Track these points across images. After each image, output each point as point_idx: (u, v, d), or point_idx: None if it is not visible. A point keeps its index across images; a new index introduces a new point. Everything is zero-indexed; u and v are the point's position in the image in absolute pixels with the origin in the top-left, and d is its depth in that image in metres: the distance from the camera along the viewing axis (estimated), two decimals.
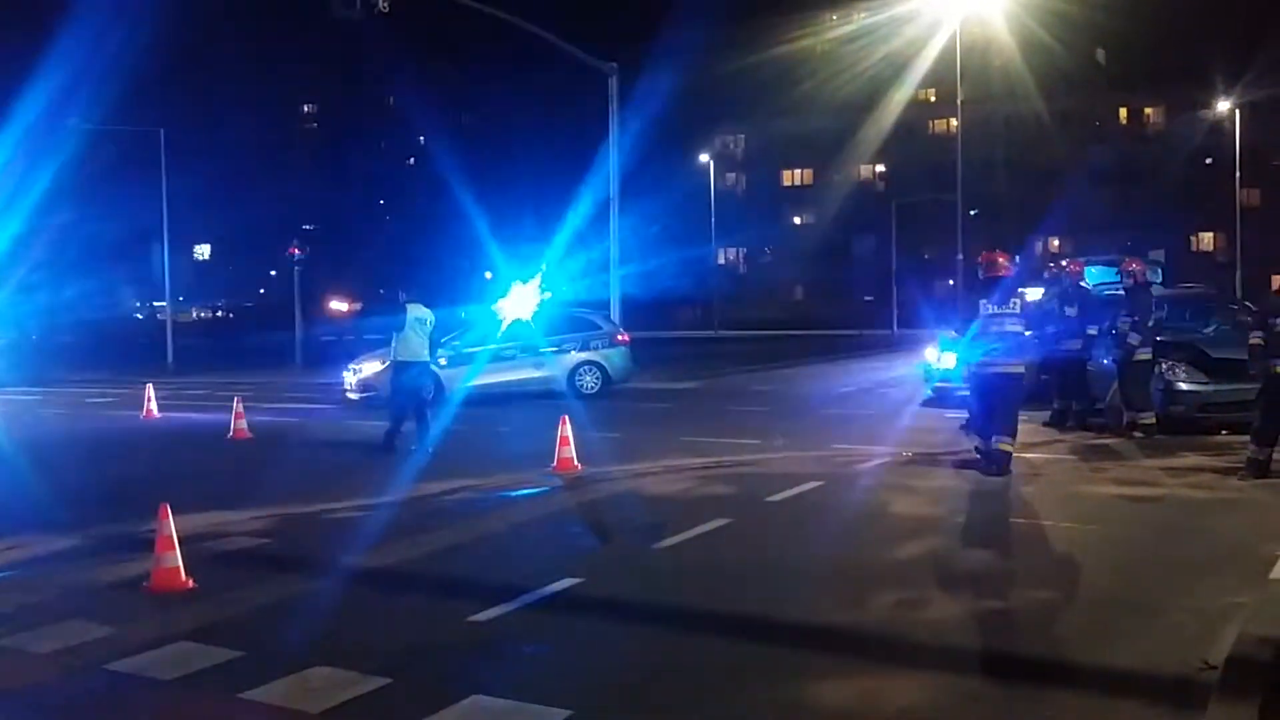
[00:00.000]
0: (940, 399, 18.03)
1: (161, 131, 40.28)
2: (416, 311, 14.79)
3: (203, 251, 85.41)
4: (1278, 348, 10.76)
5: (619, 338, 23.08)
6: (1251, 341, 11.08)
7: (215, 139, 65.51)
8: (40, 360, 35.64)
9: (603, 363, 22.38)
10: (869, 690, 5.53)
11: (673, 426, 17.29)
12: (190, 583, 7.53)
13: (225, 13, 71.27)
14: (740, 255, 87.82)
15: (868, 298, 70.50)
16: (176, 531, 7.66)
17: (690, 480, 11.75)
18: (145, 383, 21.69)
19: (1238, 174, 57.98)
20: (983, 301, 12.09)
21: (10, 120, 45.23)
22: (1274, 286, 11.81)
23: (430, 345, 14.96)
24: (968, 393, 12.98)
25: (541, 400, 20.68)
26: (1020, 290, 13.43)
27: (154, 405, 20.33)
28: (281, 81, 77.96)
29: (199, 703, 5.56)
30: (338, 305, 37.16)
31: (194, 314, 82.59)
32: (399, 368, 14.82)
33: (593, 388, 22.08)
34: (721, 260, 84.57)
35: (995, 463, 11.47)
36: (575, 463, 12.50)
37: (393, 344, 14.89)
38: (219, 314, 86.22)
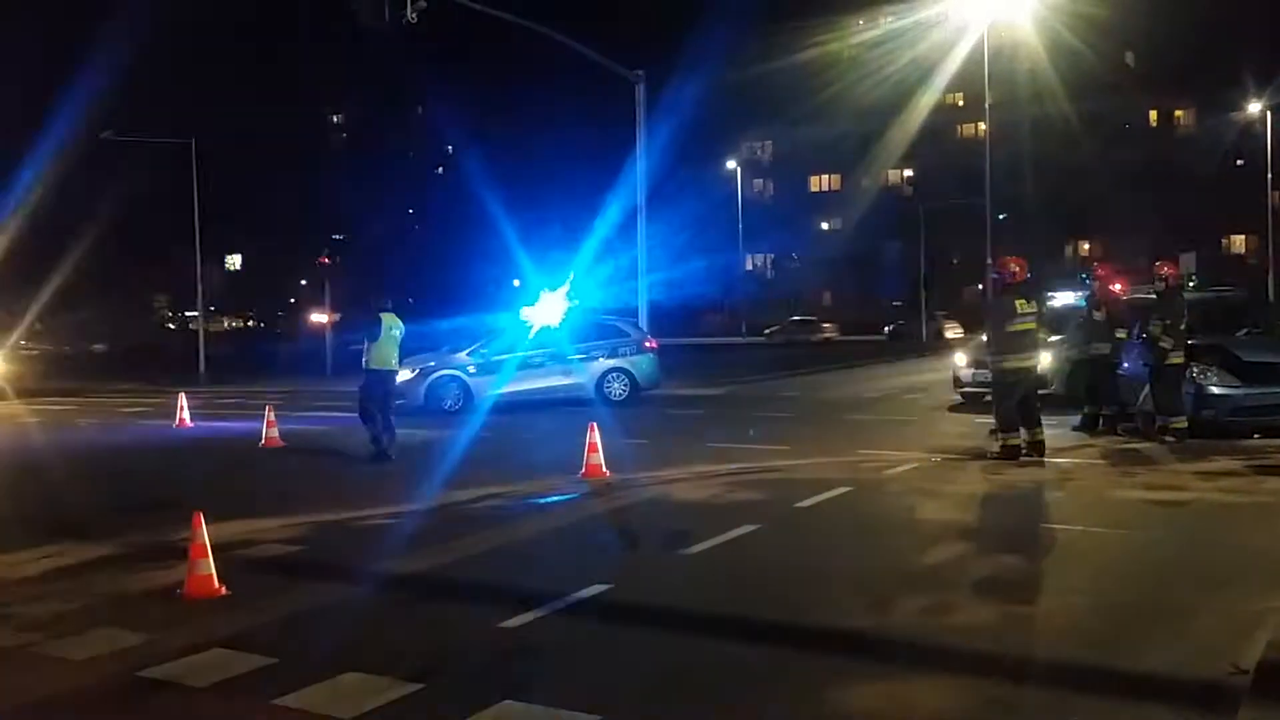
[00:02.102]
0: (969, 403, 17.99)
1: (193, 141, 40.66)
2: (390, 320, 14.94)
3: (234, 262, 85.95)
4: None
5: (647, 344, 23.12)
6: None
7: (246, 149, 65.93)
8: (73, 370, 36.00)
9: (630, 369, 22.43)
10: (897, 695, 5.53)
11: (701, 432, 17.31)
12: (223, 590, 7.60)
13: (254, 23, 71.79)
14: (768, 261, 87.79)
15: (896, 302, 70.34)
16: (210, 539, 7.74)
17: (718, 486, 11.76)
18: (178, 392, 21.89)
19: (1269, 175, 57.43)
20: (1015, 301, 12.99)
21: (44, 132, 45.74)
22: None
23: (399, 353, 15.16)
24: (993, 397, 13.22)
25: (570, 407, 20.74)
26: (1049, 294, 13.66)
27: (186, 414, 20.51)
28: (311, 91, 78.42)
29: (233, 709, 5.61)
30: (318, 318, 37.34)
31: (225, 323, 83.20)
32: (372, 375, 14.93)
33: (621, 394, 22.14)
34: (749, 266, 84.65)
35: (1017, 456, 12.64)
36: (604, 469, 12.54)
37: (365, 351, 14.99)
38: (249, 323, 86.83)
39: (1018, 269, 13.25)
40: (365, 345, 15.02)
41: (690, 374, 28.92)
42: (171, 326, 79.37)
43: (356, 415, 15.19)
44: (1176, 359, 13.84)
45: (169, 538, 9.12)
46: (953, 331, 57.62)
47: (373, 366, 14.90)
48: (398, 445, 14.80)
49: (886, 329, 63.58)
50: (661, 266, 35.52)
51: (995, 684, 5.58)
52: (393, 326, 14.93)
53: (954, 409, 18.67)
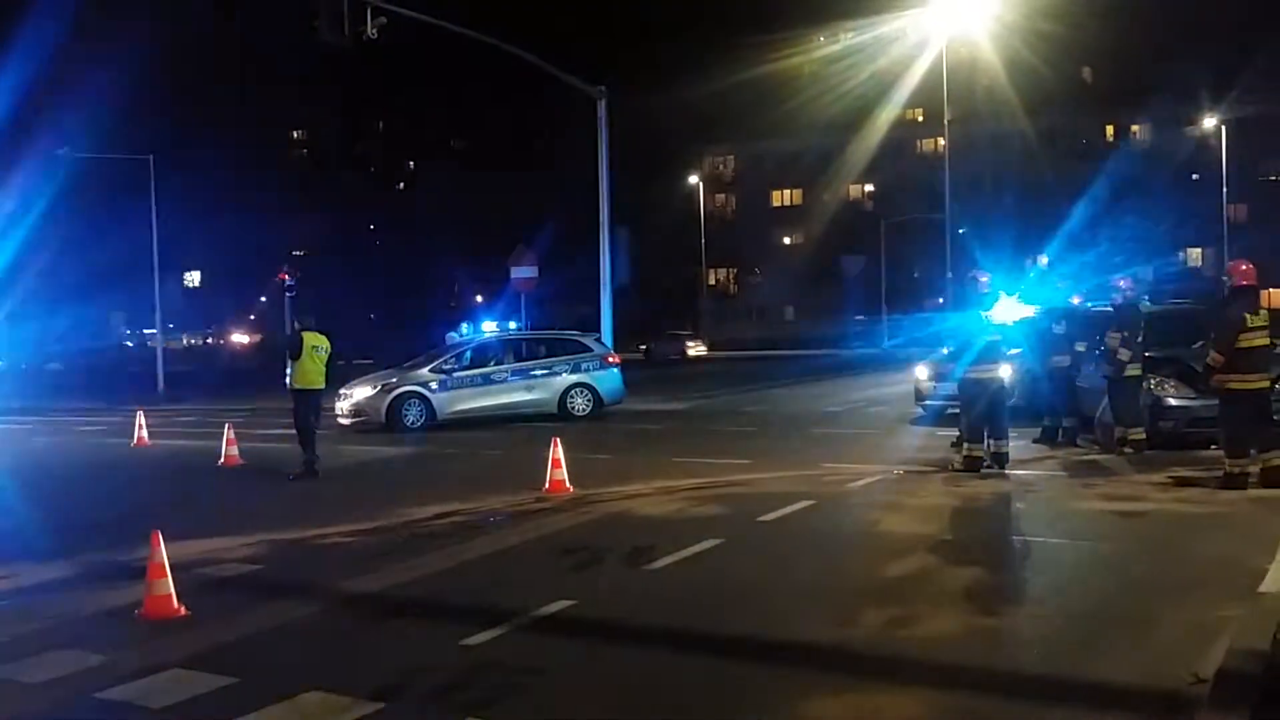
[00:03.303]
0: (931, 416, 18.08)
1: (150, 158, 40.36)
2: (314, 339, 14.69)
3: (193, 279, 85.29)
4: (1247, 363, 11.00)
5: (609, 360, 23.12)
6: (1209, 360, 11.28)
7: (204, 166, 65.49)
8: (30, 389, 35.57)
9: (594, 385, 22.41)
10: (861, 708, 5.54)
11: (664, 448, 17.31)
12: (183, 610, 7.52)
13: (214, 40, 71.39)
14: (730, 276, 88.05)
15: (858, 317, 70.70)
16: (168, 559, 7.65)
17: (682, 501, 11.75)
18: (136, 410, 21.67)
19: (1224, 190, 58.34)
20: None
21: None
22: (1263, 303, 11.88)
23: (326, 373, 14.80)
24: (958, 409, 13.29)
25: (533, 423, 20.70)
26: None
27: (144, 433, 20.30)
28: (270, 107, 78.02)
29: None
30: (239, 338, 37.11)
31: (184, 341, 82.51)
32: (298, 396, 14.62)
33: (584, 410, 22.12)
34: (712, 281, 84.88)
35: (980, 468, 12.60)
36: (567, 485, 12.51)
37: (290, 372, 14.69)
38: (208, 341, 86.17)
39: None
40: (288, 364, 14.73)
41: (654, 389, 28.93)
42: (129, 344, 78.56)
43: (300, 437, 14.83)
44: (1134, 371, 13.97)
45: (127, 557, 9.02)
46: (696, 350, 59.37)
47: (296, 387, 14.60)
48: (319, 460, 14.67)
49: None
50: (625, 280, 35.56)
51: (959, 695, 5.60)
52: (316, 345, 14.62)
53: (916, 422, 18.76)
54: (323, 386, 14.93)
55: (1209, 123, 59.96)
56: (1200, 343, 15.97)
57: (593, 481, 12.89)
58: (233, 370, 48.90)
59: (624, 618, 7.27)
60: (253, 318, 74.79)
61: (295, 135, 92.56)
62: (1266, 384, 11.30)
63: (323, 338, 14.77)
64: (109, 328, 75.72)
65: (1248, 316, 11.11)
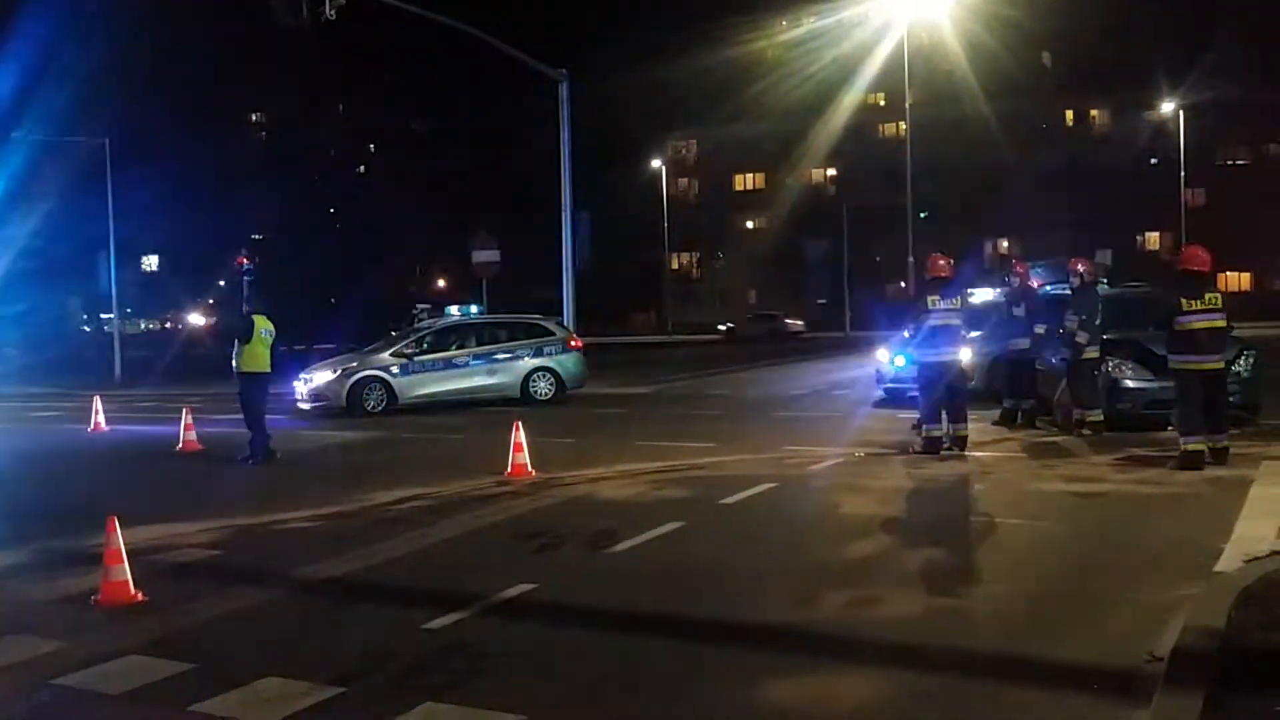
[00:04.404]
0: (892, 399, 18.18)
1: (107, 142, 39.84)
2: (263, 323, 14.69)
3: (150, 263, 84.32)
4: (1189, 345, 11.32)
5: (572, 343, 23.07)
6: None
7: (162, 149, 64.66)
8: None
9: (556, 369, 22.35)
10: (822, 689, 5.56)
11: (627, 431, 17.31)
12: (140, 596, 7.45)
13: (170, 21, 70.49)
14: (693, 260, 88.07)
15: (820, 301, 70.96)
16: (125, 544, 7.58)
17: (644, 484, 11.76)
18: (93, 395, 21.44)
19: (1182, 174, 58.89)
20: (929, 299, 13.06)
21: None
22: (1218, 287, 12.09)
23: (272, 356, 14.85)
24: (918, 392, 13.38)
25: (496, 407, 20.65)
26: (968, 290, 13.76)
27: (102, 418, 20.08)
28: (229, 90, 77.13)
29: (149, 717, 5.50)
30: (195, 320, 36.70)
31: (142, 326, 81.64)
32: (246, 379, 14.64)
33: (547, 394, 22.06)
34: (675, 265, 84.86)
35: (939, 449, 12.77)
36: (529, 469, 12.48)
37: (236, 355, 14.68)
38: (167, 325, 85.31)
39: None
40: (235, 348, 14.70)
41: (617, 372, 28.92)
42: (87, 329, 77.66)
43: (248, 421, 14.74)
44: (1092, 353, 14.11)
45: (83, 543, 8.93)
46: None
47: (244, 370, 14.61)
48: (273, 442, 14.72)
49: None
50: (586, 264, 35.44)
51: (917, 675, 5.64)
52: (264, 329, 14.66)
53: (878, 404, 18.85)
54: (269, 370, 14.93)
55: (1167, 108, 60.45)
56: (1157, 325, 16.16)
57: (555, 465, 12.87)
58: (190, 355, 48.44)
59: (585, 601, 7.26)
60: (212, 302, 74.08)
61: (254, 118, 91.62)
62: (1212, 366, 11.48)
63: (269, 321, 14.78)
64: (66, 313, 74.78)
65: (1184, 300, 11.38)
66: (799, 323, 65.99)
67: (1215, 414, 11.50)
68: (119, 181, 39.96)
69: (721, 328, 65.82)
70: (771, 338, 59.29)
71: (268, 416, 15.05)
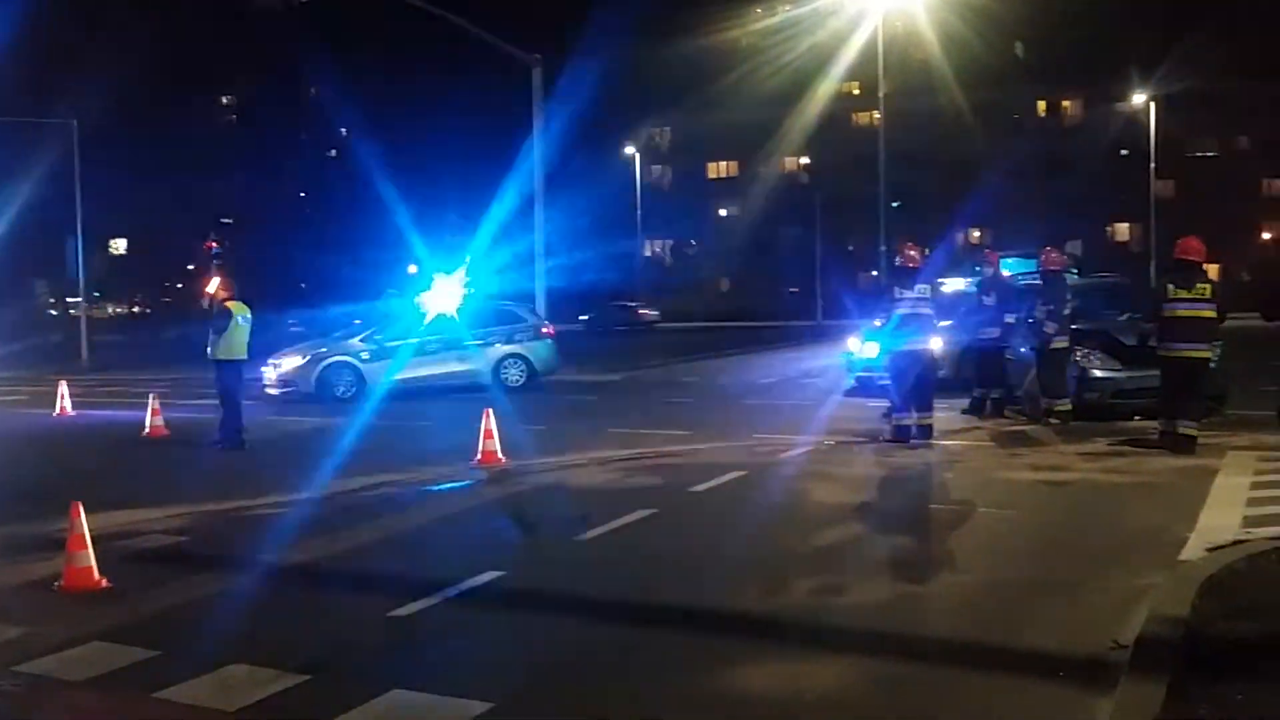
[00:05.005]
0: (862, 388, 18.21)
1: (74, 123, 39.43)
2: (239, 309, 14.66)
3: (118, 246, 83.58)
4: (1172, 332, 11.52)
5: (544, 330, 23.01)
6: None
7: (130, 131, 64.10)
8: None
9: (528, 355, 22.30)
10: (791, 676, 5.56)
11: (598, 419, 17.29)
12: (104, 582, 7.38)
13: (139, 2, 69.80)
14: (666, 247, 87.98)
15: (793, 289, 71.04)
16: (89, 530, 7.50)
17: (615, 472, 11.75)
18: (59, 379, 21.24)
19: (1152, 166, 59.25)
20: (898, 289, 13.11)
21: None
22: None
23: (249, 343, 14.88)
24: (889, 380, 13.41)
25: (466, 394, 20.56)
26: (939, 280, 13.79)
27: (67, 403, 19.89)
28: (199, 72, 76.50)
29: (112, 703, 5.46)
30: (142, 310, 36.60)
31: (110, 310, 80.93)
32: (224, 367, 14.63)
33: (518, 380, 21.99)
34: (648, 253, 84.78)
35: (908, 437, 12.76)
36: (499, 456, 12.44)
37: (213, 342, 14.62)
38: (135, 310, 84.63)
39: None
40: (211, 337, 14.63)
41: (588, 360, 28.86)
42: (53, 313, 76.94)
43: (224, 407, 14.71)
44: (1061, 343, 14.18)
45: (47, 529, 8.82)
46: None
47: (221, 357, 14.58)
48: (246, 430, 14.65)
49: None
50: (560, 252, 35.41)
51: (885, 662, 5.65)
52: (240, 315, 14.63)
53: (849, 393, 18.89)
54: (245, 357, 14.89)
55: (1138, 99, 60.78)
56: (1126, 315, 16.29)
57: (526, 452, 12.84)
58: (158, 340, 48.07)
59: (554, 588, 7.25)
60: (180, 286, 73.57)
61: (224, 101, 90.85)
62: (1197, 355, 11.59)
63: (245, 308, 14.71)
64: (32, 296, 74.08)
65: (1171, 288, 11.59)
66: (654, 312, 66.25)
67: (1190, 402, 11.66)
68: (86, 163, 39.56)
69: (582, 318, 64.84)
70: (630, 328, 59.15)
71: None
